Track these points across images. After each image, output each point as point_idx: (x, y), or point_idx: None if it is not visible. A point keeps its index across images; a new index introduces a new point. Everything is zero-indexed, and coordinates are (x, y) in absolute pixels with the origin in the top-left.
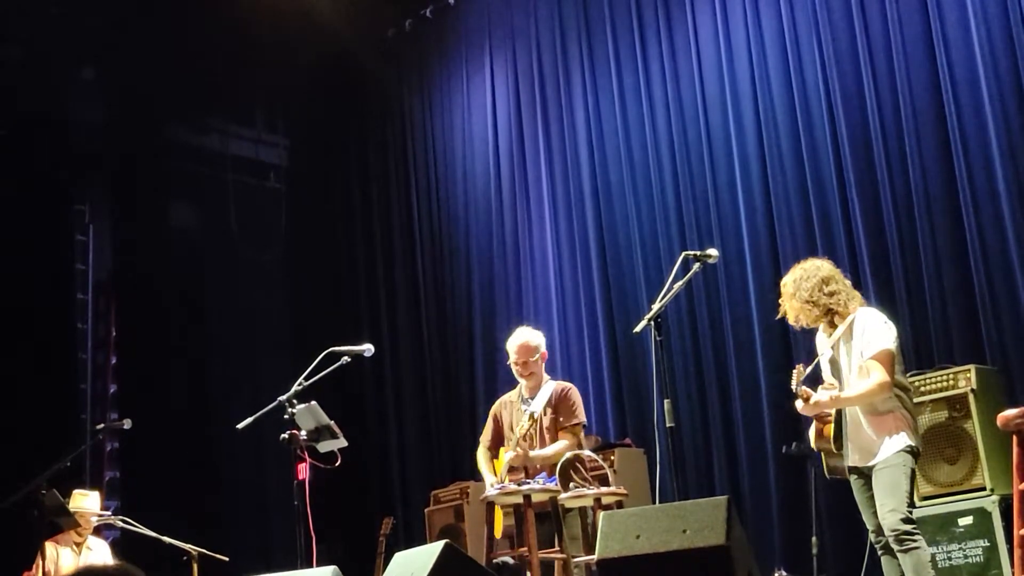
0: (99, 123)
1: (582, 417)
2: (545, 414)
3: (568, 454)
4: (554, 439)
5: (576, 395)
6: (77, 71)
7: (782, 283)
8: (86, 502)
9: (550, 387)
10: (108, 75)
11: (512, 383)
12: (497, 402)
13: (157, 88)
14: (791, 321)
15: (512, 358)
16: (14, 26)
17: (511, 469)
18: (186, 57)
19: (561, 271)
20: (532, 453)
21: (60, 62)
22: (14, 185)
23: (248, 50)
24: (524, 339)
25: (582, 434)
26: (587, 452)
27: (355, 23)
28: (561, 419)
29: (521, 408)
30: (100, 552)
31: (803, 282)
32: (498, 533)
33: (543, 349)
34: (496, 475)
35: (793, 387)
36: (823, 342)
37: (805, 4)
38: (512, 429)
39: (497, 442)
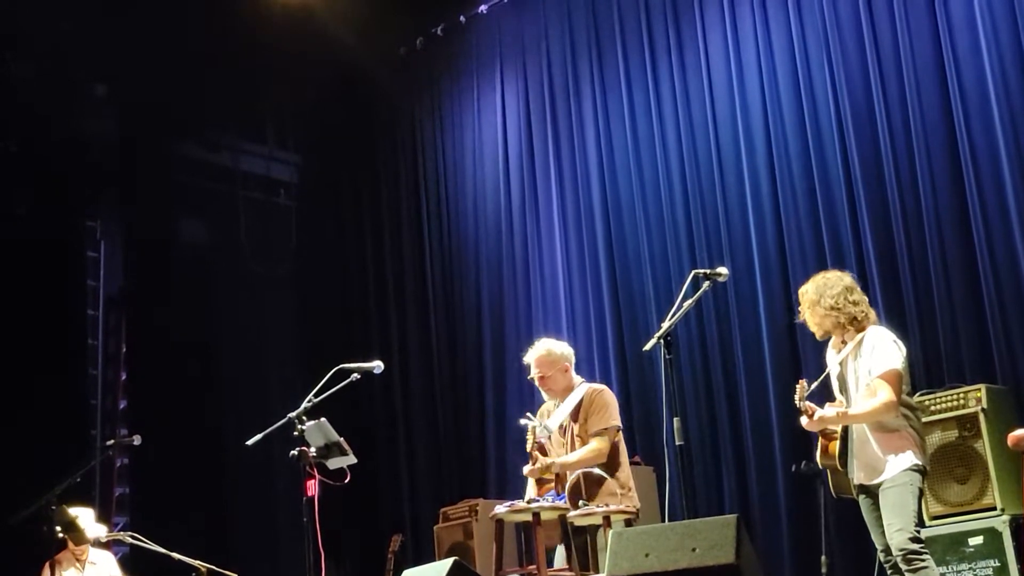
0: (111, 139)
1: (613, 420)
2: (575, 421)
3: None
4: (585, 444)
5: (606, 397)
6: (89, 87)
7: (802, 290)
8: (79, 521)
9: (580, 392)
10: (120, 91)
11: (523, 397)
12: (539, 410)
13: (169, 104)
14: (812, 327)
15: (530, 373)
16: (27, 42)
17: (540, 482)
18: (198, 74)
19: (571, 288)
20: (556, 460)
21: (72, 78)
22: (26, 200)
23: (260, 67)
24: (539, 352)
25: (620, 437)
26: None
27: (366, 41)
28: (590, 423)
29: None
30: (106, 566)
31: (828, 288)
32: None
33: (564, 360)
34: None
35: (797, 402)
36: (832, 357)
37: (815, 22)
38: (550, 438)
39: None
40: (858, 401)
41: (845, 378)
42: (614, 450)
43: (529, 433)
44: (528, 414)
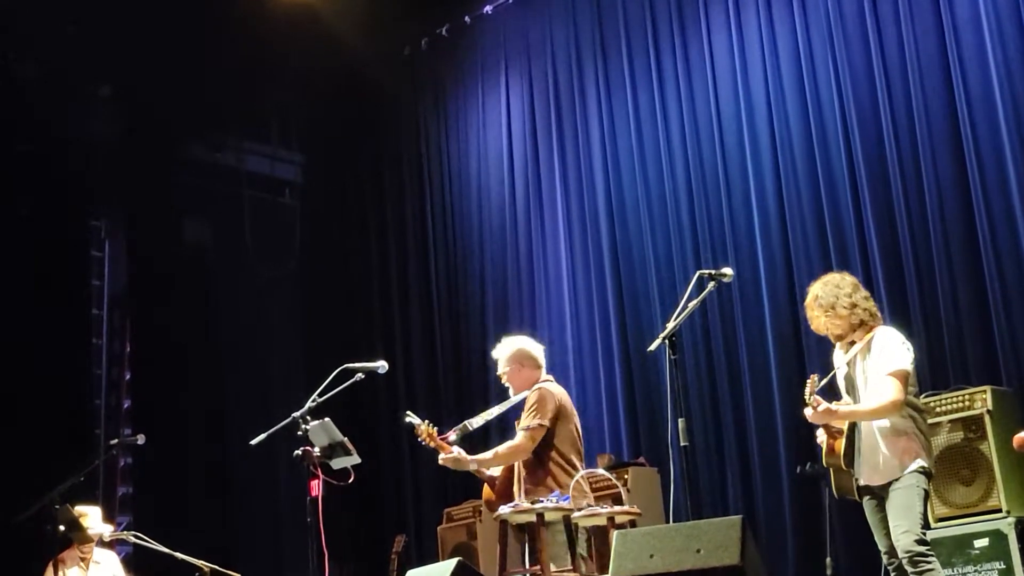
0: (115, 140)
1: (537, 419)
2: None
3: (580, 472)
4: None
5: (541, 394)
6: (94, 88)
7: (812, 297)
8: (87, 520)
9: (530, 390)
10: (125, 92)
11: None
12: None
13: (173, 105)
14: (829, 330)
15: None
16: (32, 44)
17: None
18: (202, 74)
19: (575, 289)
20: (475, 458)
21: (77, 80)
22: (31, 201)
23: (264, 67)
24: (500, 347)
25: (567, 435)
26: (600, 470)
27: (371, 41)
28: (521, 420)
29: None
30: (109, 565)
31: (840, 289)
32: None
33: (522, 357)
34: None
35: (806, 397)
36: (840, 358)
37: (820, 25)
38: None
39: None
40: (865, 400)
41: (853, 378)
42: (544, 446)
43: (420, 432)
44: (409, 412)
